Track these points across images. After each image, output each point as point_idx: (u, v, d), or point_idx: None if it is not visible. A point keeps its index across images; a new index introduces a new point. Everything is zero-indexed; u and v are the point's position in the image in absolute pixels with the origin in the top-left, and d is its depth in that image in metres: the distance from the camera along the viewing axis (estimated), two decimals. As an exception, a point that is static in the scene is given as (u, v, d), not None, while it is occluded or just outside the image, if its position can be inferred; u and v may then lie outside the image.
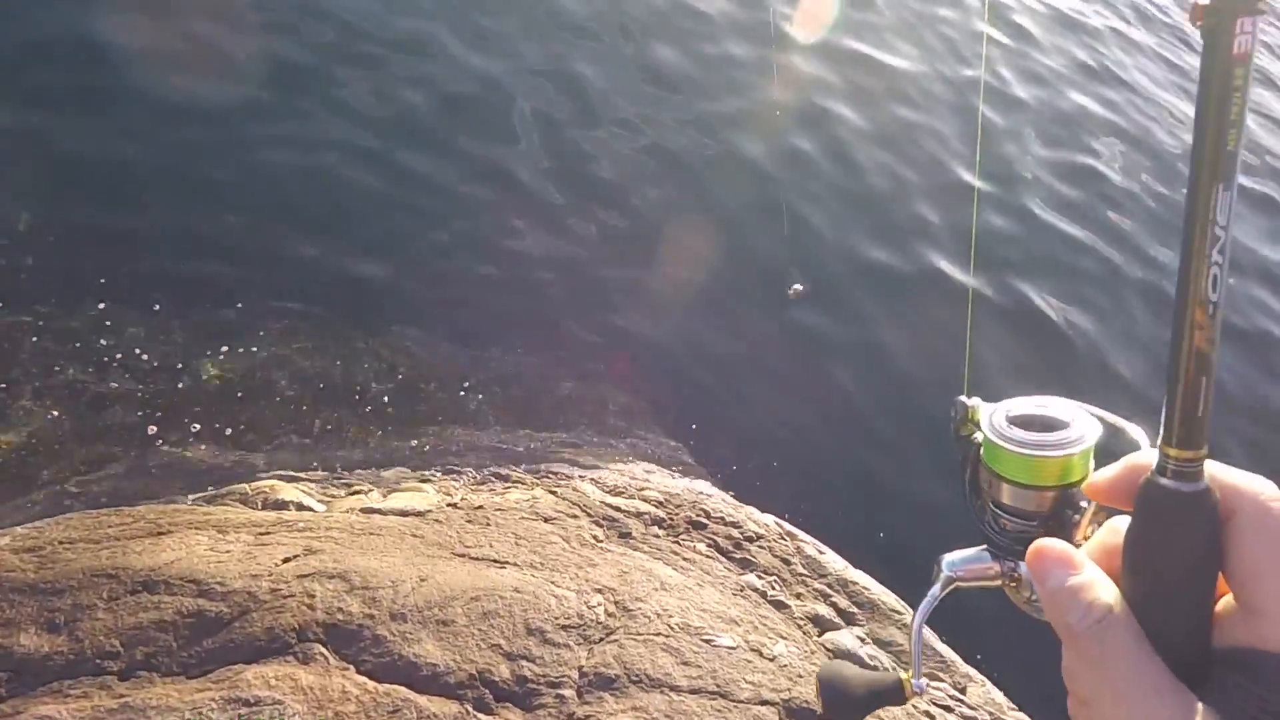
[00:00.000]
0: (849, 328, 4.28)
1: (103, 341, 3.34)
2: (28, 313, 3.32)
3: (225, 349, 3.45)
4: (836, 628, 2.50)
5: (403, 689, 2.01)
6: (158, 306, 3.48)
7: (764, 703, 2.12)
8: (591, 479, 3.15)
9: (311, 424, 3.37)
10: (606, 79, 5.12)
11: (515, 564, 2.40)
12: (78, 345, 3.31)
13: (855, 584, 2.73)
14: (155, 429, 3.16)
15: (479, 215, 4.25)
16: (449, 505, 2.72)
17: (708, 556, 2.70)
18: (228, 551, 2.31)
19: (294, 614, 2.13)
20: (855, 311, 4.38)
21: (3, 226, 3.49)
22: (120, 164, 3.79)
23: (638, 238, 4.39)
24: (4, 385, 3.14)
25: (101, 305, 3.41)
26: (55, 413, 3.12)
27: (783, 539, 2.89)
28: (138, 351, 3.35)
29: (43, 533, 2.43)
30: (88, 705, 1.91)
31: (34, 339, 3.27)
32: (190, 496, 2.89)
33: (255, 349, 3.49)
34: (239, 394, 3.34)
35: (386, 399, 3.50)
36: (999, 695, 2.63)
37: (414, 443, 3.33)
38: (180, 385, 3.30)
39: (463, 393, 3.63)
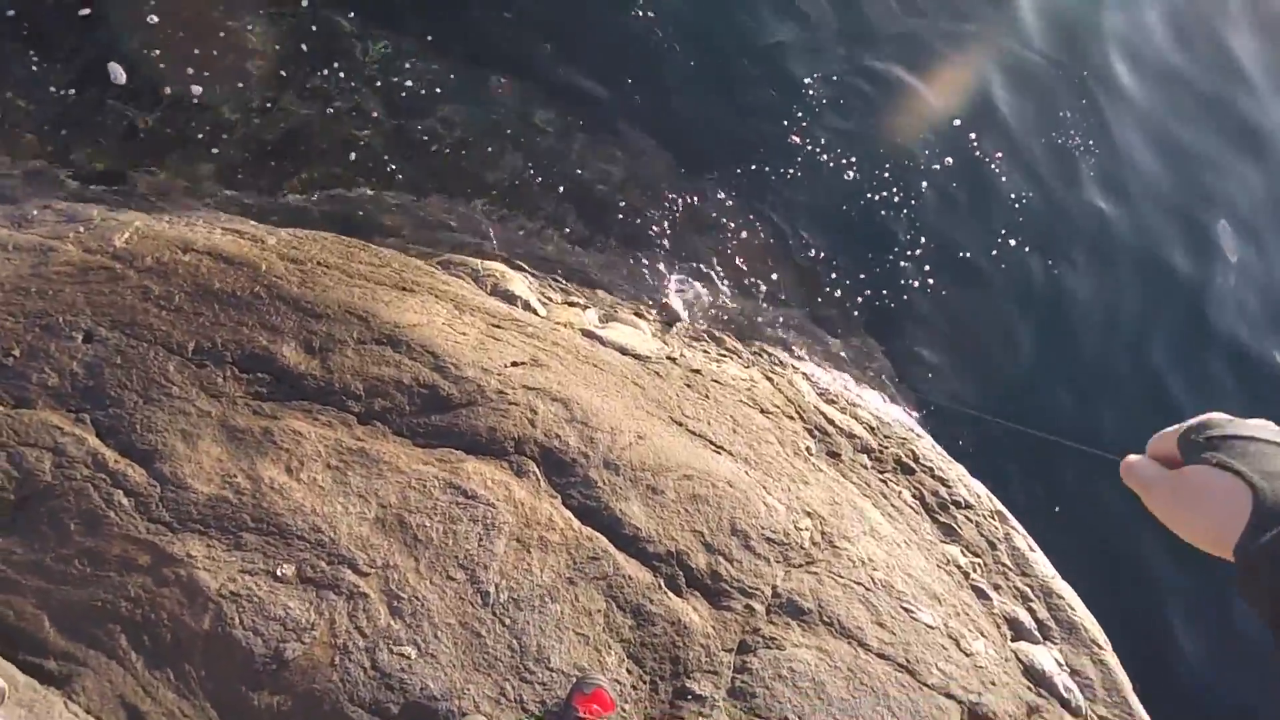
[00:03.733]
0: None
1: (379, 68, 3.24)
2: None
3: (485, 110, 3.29)
4: (1033, 640, 2.27)
5: (603, 539, 1.98)
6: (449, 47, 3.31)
7: (950, 696, 1.97)
8: (805, 374, 2.91)
9: (537, 210, 3.23)
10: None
11: (731, 453, 2.26)
12: (359, 60, 3.23)
13: (1060, 597, 2.45)
14: (395, 167, 3.11)
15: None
16: (668, 358, 2.57)
17: (914, 511, 2.47)
18: (464, 334, 2.28)
19: (516, 423, 2.10)
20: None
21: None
22: None
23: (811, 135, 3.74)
24: (284, 74, 3.13)
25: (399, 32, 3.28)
26: (312, 117, 3.10)
27: (992, 518, 2.61)
28: (410, 84, 3.24)
29: (303, 246, 2.47)
30: (331, 435, 1.99)
31: (336, 41, 3.21)
32: (419, 248, 2.89)
33: (509, 120, 3.31)
34: (480, 156, 3.21)
35: (620, 213, 3.29)
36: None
37: (639, 266, 3.16)
38: (426, 132, 3.20)
39: (692, 233, 3.37)
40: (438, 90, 3.26)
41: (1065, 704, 2.09)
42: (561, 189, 3.25)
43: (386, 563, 1.83)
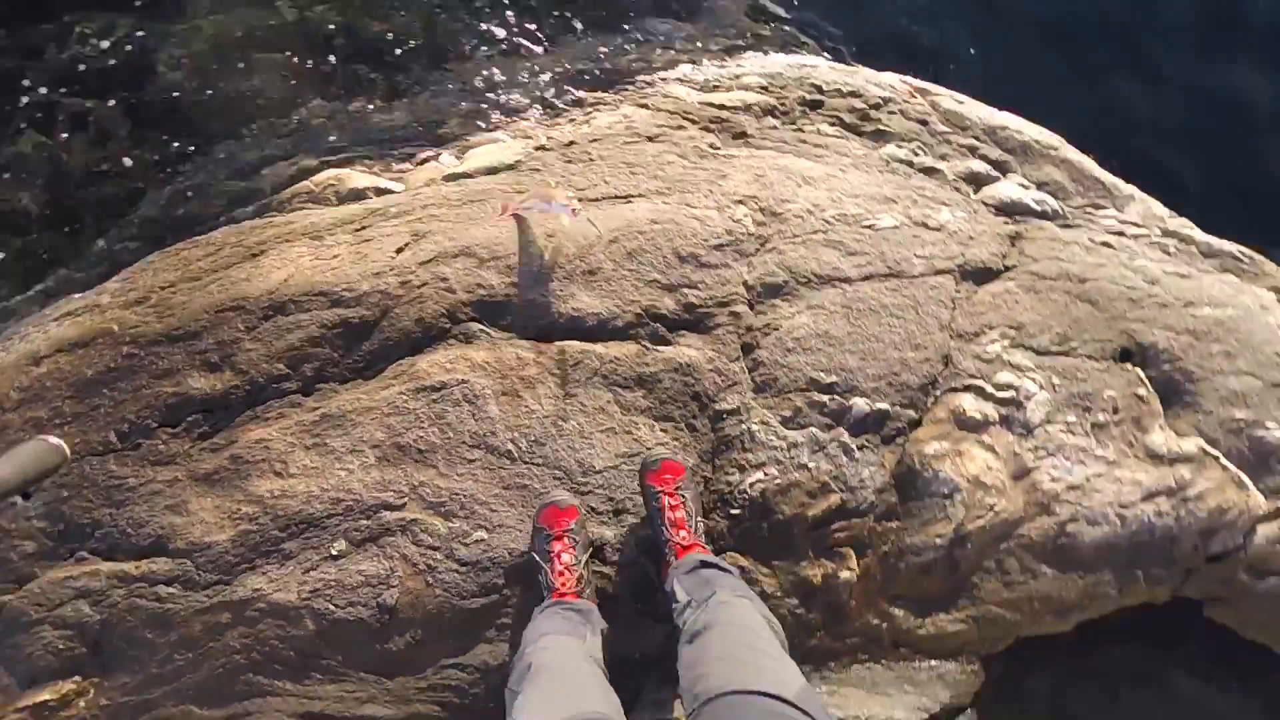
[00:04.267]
0: None
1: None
2: None
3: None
4: (993, 180, 2.27)
5: (574, 343, 1.97)
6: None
7: (939, 272, 2.02)
8: (678, 79, 2.70)
9: (332, 91, 2.88)
10: None
11: (640, 195, 2.15)
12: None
13: (1003, 129, 2.41)
14: (177, 144, 2.75)
15: None
16: (537, 149, 2.39)
17: (837, 138, 2.38)
18: (335, 256, 2.13)
19: (436, 301, 2.01)
20: None
21: None
22: None
23: None
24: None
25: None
26: (65, 153, 2.71)
27: (913, 97, 2.51)
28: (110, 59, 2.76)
29: (138, 281, 2.27)
30: (290, 422, 1.95)
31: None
32: (249, 208, 2.64)
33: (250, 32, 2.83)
34: (237, 79, 2.81)
35: (412, 42, 2.91)
36: (1157, 206, 2.49)
37: (460, 86, 2.85)
38: (167, 90, 2.77)
39: (499, 25, 2.97)
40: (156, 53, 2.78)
41: (1042, 214, 2.13)
42: (343, 61, 2.86)
43: (412, 485, 1.87)
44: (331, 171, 2.53)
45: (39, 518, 1.96)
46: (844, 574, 1.85)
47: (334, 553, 1.85)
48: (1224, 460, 1.84)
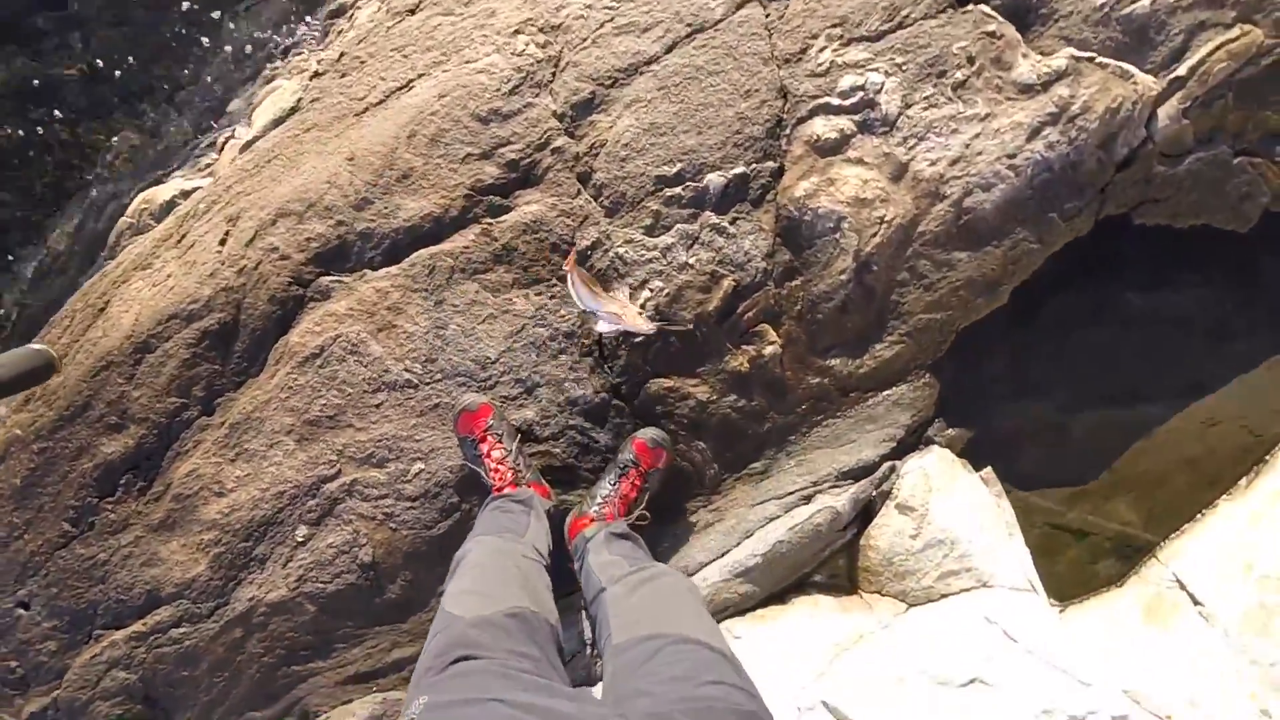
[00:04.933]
0: None
1: None
2: None
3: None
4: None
5: (422, 251, 1.88)
6: None
7: (740, 5, 1.82)
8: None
9: (112, 132, 2.70)
10: None
11: (420, 75, 1.98)
12: None
13: None
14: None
15: None
16: (312, 79, 2.20)
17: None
18: (169, 276, 2.05)
19: (277, 274, 1.93)
20: None
21: None
22: None
23: None
24: None
25: None
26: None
27: None
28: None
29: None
30: (208, 443, 1.96)
31: None
32: (64, 276, 2.59)
33: None
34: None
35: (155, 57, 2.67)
36: None
37: (227, 57, 2.63)
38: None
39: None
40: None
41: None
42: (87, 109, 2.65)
43: (337, 451, 1.87)
44: (140, 196, 2.41)
45: (45, 620, 2.06)
46: (768, 350, 1.80)
47: (299, 539, 1.90)
48: (1100, 58, 1.67)
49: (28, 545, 2.06)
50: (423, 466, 1.85)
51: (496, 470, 1.70)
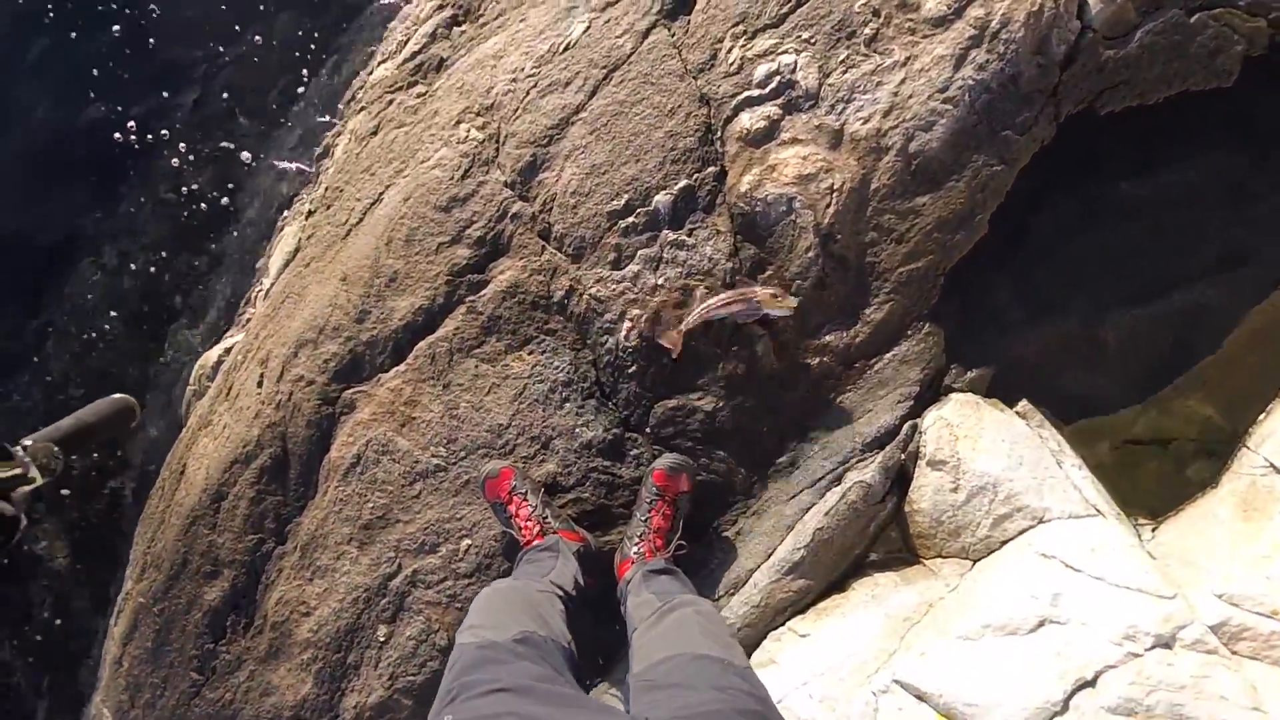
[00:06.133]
0: None
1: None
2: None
3: None
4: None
5: (421, 343, 2.01)
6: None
7: (646, 34, 1.90)
8: (379, 63, 2.64)
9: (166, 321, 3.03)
10: None
11: (387, 186, 2.15)
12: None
13: None
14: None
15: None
16: (308, 218, 2.43)
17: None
18: (225, 427, 2.27)
19: (307, 400, 2.11)
20: None
21: None
22: None
23: None
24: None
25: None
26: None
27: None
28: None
29: (137, 557, 2.51)
30: (287, 568, 2.12)
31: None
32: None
33: None
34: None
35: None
36: None
37: (242, 223, 2.93)
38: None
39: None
40: None
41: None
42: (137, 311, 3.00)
43: (394, 548, 1.99)
44: (196, 364, 2.68)
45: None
46: (759, 348, 1.80)
47: (381, 639, 2.00)
48: (1006, -32, 1.63)
49: (169, 701, 2.27)
50: (469, 542, 1.93)
51: (525, 527, 1.76)
